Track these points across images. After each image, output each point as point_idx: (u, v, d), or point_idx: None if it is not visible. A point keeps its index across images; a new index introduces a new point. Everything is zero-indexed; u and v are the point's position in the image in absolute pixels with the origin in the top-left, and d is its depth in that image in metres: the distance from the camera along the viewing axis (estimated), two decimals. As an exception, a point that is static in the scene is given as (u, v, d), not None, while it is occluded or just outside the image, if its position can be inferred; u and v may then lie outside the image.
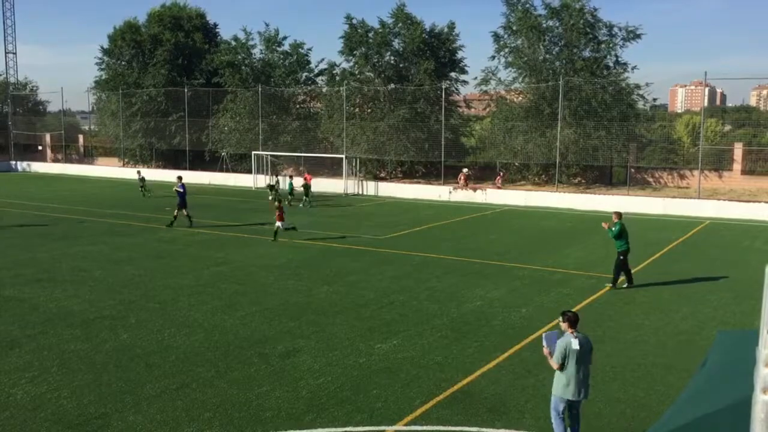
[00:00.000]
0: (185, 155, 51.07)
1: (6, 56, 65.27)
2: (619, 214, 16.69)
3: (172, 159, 54.04)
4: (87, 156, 62.45)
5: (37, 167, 57.51)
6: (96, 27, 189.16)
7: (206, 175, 47.37)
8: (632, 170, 39.47)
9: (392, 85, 44.54)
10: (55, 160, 60.98)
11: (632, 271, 16.76)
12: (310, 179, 36.30)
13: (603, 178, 41.11)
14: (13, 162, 59.42)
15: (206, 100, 50.63)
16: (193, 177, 47.85)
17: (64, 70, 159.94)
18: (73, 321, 13.18)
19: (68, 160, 60.34)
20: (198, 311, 13.96)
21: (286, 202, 31.23)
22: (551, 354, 7.91)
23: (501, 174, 39.66)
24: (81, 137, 64.99)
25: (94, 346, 11.71)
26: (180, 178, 26.71)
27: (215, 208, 31.97)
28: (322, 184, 40.15)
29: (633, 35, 39.27)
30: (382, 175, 45.80)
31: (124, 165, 55.33)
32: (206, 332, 12.53)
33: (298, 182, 35.42)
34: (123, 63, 55.51)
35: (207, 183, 45.73)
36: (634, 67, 42.09)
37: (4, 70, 65.34)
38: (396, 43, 45.55)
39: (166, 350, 11.53)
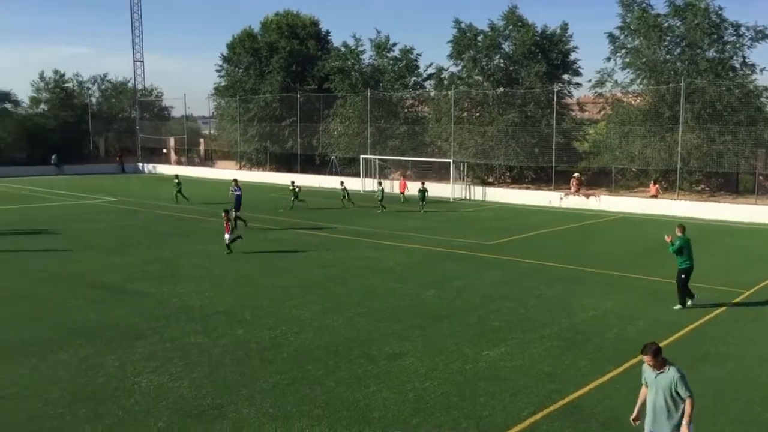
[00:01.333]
0: (297, 159, 52.66)
1: (134, 64, 69.76)
2: (683, 228, 15.21)
3: (285, 162, 55.86)
4: (207, 159, 65.71)
5: (162, 169, 61.03)
6: (216, 36, 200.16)
7: (316, 178, 48.62)
8: (761, 178, 36.94)
9: (501, 89, 43.98)
10: (179, 163, 64.52)
11: (760, 285, 15.66)
12: (405, 185, 36.43)
13: (728, 185, 38.72)
14: (140, 164, 63.42)
15: (317, 105, 52.00)
16: (304, 180, 49.12)
17: (187, 77, 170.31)
18: (194, 315, 13.88)
19: (190, 162, 63.74)
20: (307, 310, 14.33)
21: (381, 209, 31.43)
22: None
23: (577, 179, 38.04)
24: (202, 141, 68.48)
25: (212, 340, 12.28)
26: (236, 180, 27.65)
27: (324, 210, 32.73)
28: (429, 189, 40.17)
29: (762, 35, 36.82)
30: (490, 180, 45.30)
31: (240, 168, 57.76)
32: (315, 331, 12.84)
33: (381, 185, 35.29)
34: (241, 70, 58.03)
35: (317, 186, 46.93)
36: (763, 69, 39.32)
37: (133, 78, 69.90)
38: (506, 46, 44.97)
39: (279, 347, 11.91)
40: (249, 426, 8.76)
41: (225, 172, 56.70)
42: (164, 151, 66.77)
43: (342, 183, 35.18)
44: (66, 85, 65.74)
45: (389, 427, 8.77)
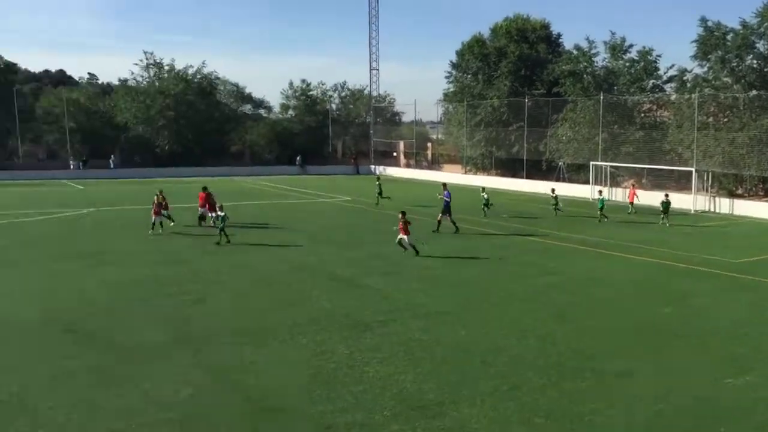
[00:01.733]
0: (522, 164, 52.09)
1: (370, 72, 73.94)
2: None
3: (510, 168, 55.54)
4: (434, 163, 67.61)
5: (391, 171, 63.93)
6: (446, 45, 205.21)
7: (542, 184, 47.66)
8: None
9: (754, 92, 39.58)
10: (407, 166, 67.20)
11: None
12: (635, 195, 34.20)
13: None
14: (373, 166, 67.09)
15: (545, 109, 50.96)
16: (530, 186, 48.53)
17: (417, 84, 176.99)
18: (418, 313, 14.35)
19: (418, 165, 66.03)
20: (529, 317, 14.10)
21: (600, 218, 29.83)
22: None
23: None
24: (429, 145, 70.61)
25: (434, 338, 12.59)
26: (445, 185, 27.49)
27: (550, 218, 31.95)
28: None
29: None
30: (739, 191, 41.00)
31: (465, 172, 58.57)
32: (538, 339, 12.59)
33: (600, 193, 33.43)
34: (469, 76, 58.84)
35: (543, 193, 45.97)
36: None
37: (368, 85, 74.09)
38: (760, 45, 40.39)
39: (499, 351, 11.87)
40: (469, 426, 8.84)
41: (450, 175, 57.87)
42: (394, 154, 69.91)
43: (553, 190, 33.94)
44: (311, 92, 71.62)
45: (615, 446, 8.33)
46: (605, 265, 20.16)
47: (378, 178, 37.94)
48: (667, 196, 30.96)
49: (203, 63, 67.37)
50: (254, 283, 16.97)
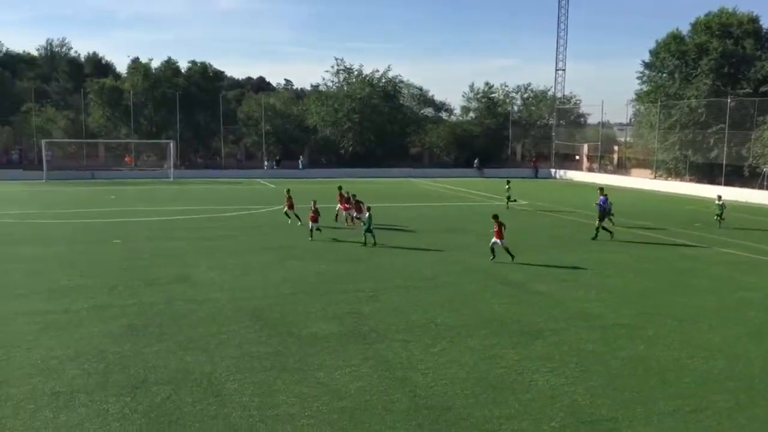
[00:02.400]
0: (721, 169, 47.96)
1: (556, 73, 72.03)
2: None
3: (707, 173, 51.38)
4: (620, 167, 64.31)
5: (572, 175, 61.74)
6: (638, 42, 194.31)
7: (743, 192, 43.56)
8: None
9: None
10: (590, 170, 64.50)
11: None
12: None
13: None
14: (553, 169, 65.24)
15: (751, 110, 46.49)
16: (729, 193, 44.51)
17: (606, 83, 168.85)
18: (593, 323, 13.75)
19: (602, 169, 63.16)
20: (719, 335, 12.96)
21: None
22: None
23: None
24: (616, 148, 67.26)
25: (610, 350, 11.99)
26: (601, 189, 25.61)
27: (753, 228, 29.13)
28: None
29: None
30: None
31: (655, 177, 55.09)
32: (727, 359, 11.54)
33: None
34: (664, 75, 55.22)
35: (744, 201, 41.99)
36: None
37: (553, 86, 72.16)
38: None
39: (682, 369, 11.04)
40: (642, 446, 8.32)
41: (638, 180, 54.71)
42: (576, 157, 67.48)
43: (719, 197, 29.99)
44: (492, 95, 71.20)
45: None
46: (815, 283, 18.00)
47: (508, 182, 36.79)
48: None
49: (388, 67, 69.55)
50: (425, 284, 17.22)
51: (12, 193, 40.65)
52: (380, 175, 57.58)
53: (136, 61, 65.80)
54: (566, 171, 63.64)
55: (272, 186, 49.02)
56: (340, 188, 29.13)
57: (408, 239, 24.30)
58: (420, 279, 17.74)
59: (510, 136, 69.20)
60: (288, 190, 28.24)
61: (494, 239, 20.14)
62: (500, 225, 19.96)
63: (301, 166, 63.46)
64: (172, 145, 56.93)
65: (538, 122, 71.88)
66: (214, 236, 24.66)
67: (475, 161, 64.26)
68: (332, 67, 69.42)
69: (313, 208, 24.03)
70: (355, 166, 60.97)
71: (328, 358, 11.32)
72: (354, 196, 27.93)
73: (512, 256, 20.09)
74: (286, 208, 27.59)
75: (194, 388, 9.95)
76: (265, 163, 62.91)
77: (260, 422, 8.81)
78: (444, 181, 54.49)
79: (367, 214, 22.91)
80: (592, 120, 71.73)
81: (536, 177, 63.28)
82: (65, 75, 76.00)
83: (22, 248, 21.46)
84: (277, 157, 64.52)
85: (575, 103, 72.67)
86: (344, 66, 68.68)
